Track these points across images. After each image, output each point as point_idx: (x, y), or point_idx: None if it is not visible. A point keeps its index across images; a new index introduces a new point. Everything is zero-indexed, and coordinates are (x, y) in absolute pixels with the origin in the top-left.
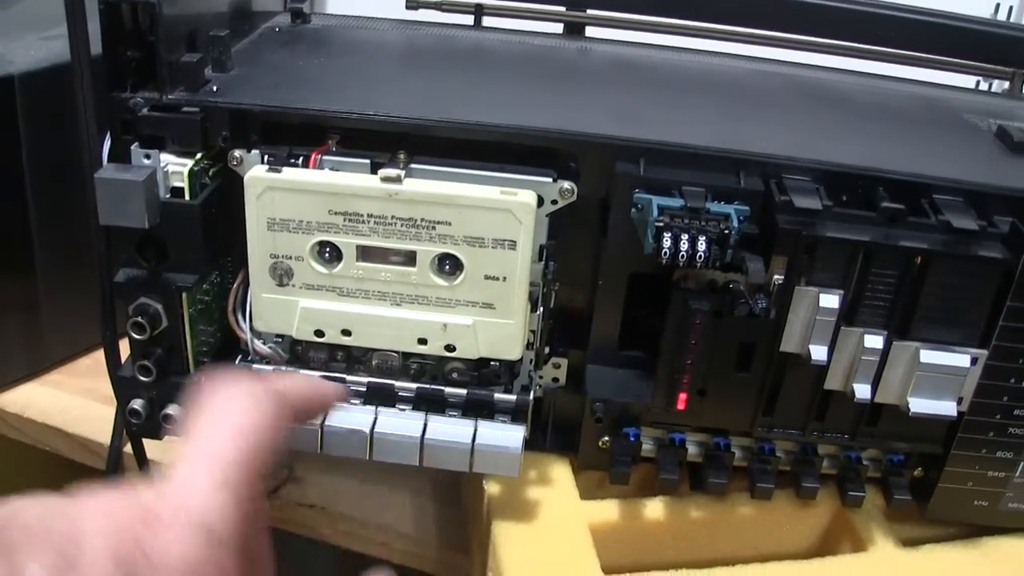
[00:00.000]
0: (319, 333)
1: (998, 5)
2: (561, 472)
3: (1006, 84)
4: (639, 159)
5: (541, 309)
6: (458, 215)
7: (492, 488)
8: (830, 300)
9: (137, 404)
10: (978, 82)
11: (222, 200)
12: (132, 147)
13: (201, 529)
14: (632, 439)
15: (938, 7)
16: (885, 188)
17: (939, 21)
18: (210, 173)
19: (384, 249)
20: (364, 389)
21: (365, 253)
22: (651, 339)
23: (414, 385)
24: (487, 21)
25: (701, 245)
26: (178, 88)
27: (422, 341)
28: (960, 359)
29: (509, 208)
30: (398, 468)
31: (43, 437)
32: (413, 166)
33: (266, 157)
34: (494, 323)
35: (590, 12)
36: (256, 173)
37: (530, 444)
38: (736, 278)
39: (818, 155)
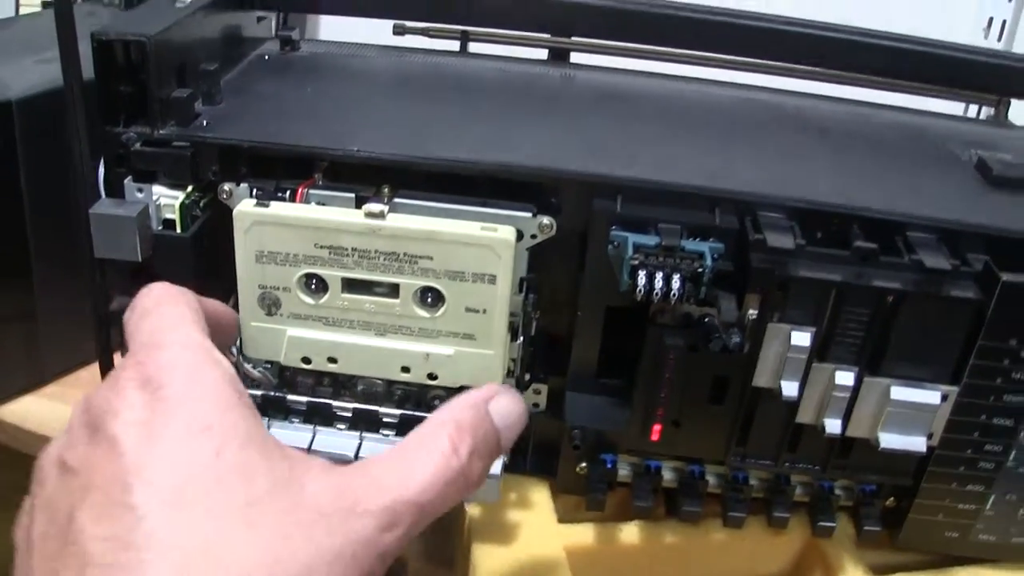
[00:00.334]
0: (306, 360)
1: (991, 20)
2: (540, 495)
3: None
4: (616, 195)
5: (521, 339)
6: (439, 250)
7: (473, 509)
8: (802, 338)
9: None
10: (966, 107)
11: (213, 231)
12: (125, 181)
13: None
14: (609, 466)
15: (931, 22)
16: (859, 225)
17: (922, 49)
18: (201, 204)
19: (368, 281)
20: (350, 415)
21: (350, 285)
22: (629, 367)
23: (398, 411)
24: (474, 46)
25: (675, 283)
26: (169, 123)
27: (405, 369)
28: (930, 396)
29: (489, 244)
30: None
31: (41, 447)
32: (397, 200)
33: (254, 191)
34: (475, 353)
35: (574, 39)
36: (244, 208)
37: (511, 467)
38: (712, 311)
39: (794, 191)
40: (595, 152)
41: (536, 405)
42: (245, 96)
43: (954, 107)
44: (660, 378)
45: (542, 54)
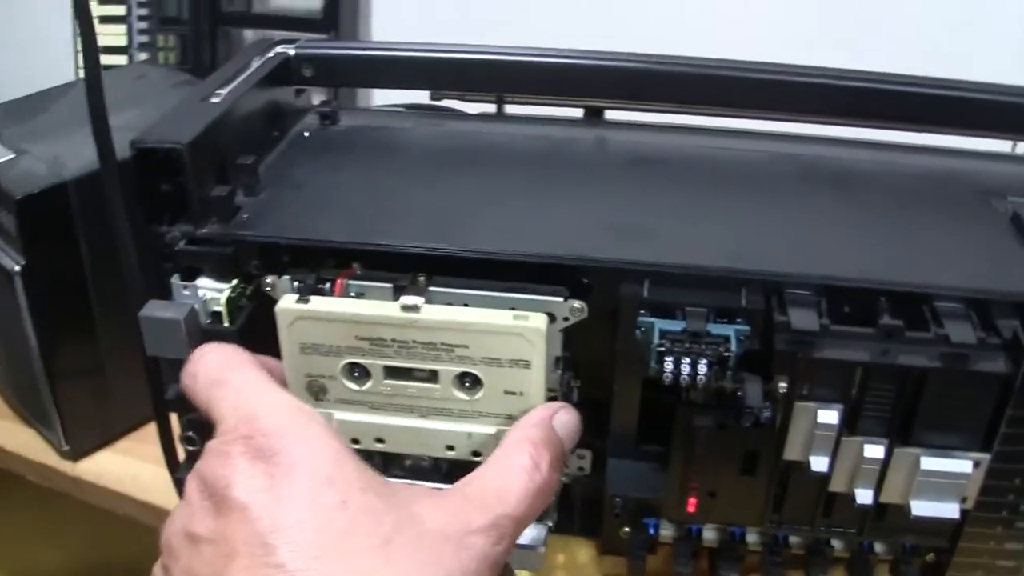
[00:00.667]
0: (355, 440)
1: None
2: (587, 555)
3: None
4: (643, 280)
5: None
6: (474, 339)
7: (522, 573)
8: (829, 416)
9: None
10: (1014, 145)
11: (259, 320)
12: (172, 280)
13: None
14: (651, 531)
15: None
16: (887, 299)
17: (962, 95)
18: (247, 293)
19: (408, 368)
20: None
21: (391, 372)
22: (668, 432)
23: (446, 485)
24: (510, 106)
25: (702, 368)
26: (211, 220)
27: (450, 447)
28: (962, 465)
29: (521, 332)
30: None
31: (117, 503)
32: (432, 288)
33: (295, 284)
34: None
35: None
36: (285, 305)
37: (559, 527)
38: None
39: (819, 266)
40: (624, 232)
41: (581, 469)
42: (284, 185)
43: (1002, 145)
44: (692, 454)
45: (578, 111)
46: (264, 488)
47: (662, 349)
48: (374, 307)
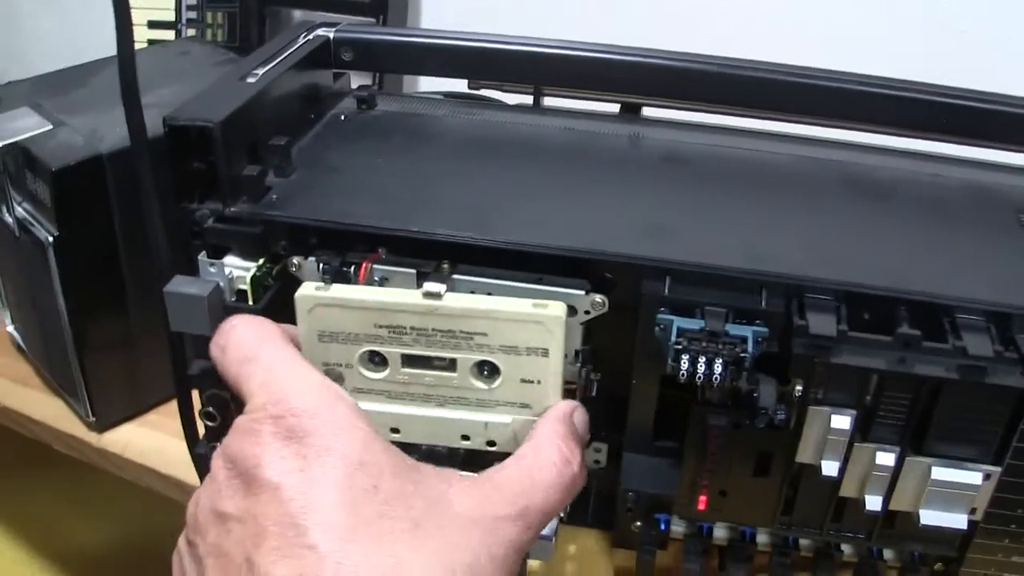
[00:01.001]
0: None
1: None
2: (599, 547)
3: None
4: (665, 277)
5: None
6: (493, 327)
7: (533, 561)
8: (842, 421)
9: None
10: None
11: (283, 300)
12: (199, 257)
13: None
14: (663, 526)
15: None
16: (906, 308)
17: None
18: (273, 273)
19: (426, 356)
20: None
21: (409, 360)
22: (684, 428)
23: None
24: (548, 98)
25: (717, 367)
26: (240, 199)
27: (465, 437)
28: (972, 476)
29: (541, 320)
30: None
31: (141, 476)
32: (456, 276)
33: (321, 265)
34: (532, 421)
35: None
36: (305, 292)
37: (572, 519)
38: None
39: (842, 272)
40: (649, 229)
41: (597, 462)
42: (316, 168)
43: None
44: (705, 452)
45: (615, 107)
46: (296, 469)
47: (679, 347)
48: (395, 295)
